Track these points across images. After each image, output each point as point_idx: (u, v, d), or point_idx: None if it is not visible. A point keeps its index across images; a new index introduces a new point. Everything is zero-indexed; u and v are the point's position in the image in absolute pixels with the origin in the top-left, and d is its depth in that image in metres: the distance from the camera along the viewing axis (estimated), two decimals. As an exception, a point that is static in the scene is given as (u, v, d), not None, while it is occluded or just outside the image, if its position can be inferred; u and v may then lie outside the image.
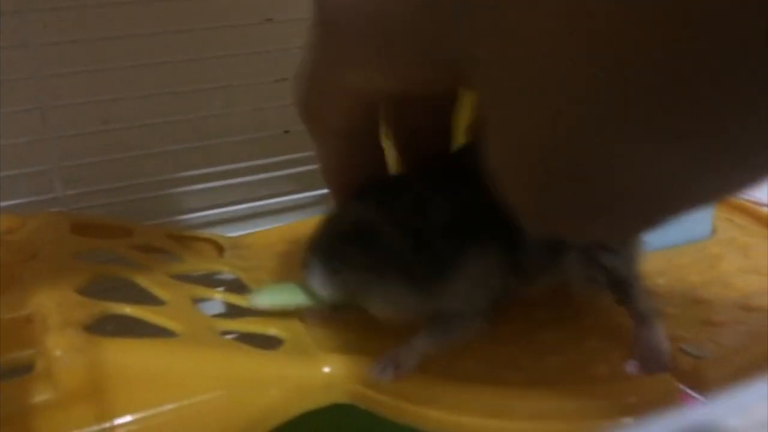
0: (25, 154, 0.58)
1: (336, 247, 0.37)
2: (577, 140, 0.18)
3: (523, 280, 0.38)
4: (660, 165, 0.17)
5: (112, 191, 0.60)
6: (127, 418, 0.33)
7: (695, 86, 0.15)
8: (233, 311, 0.47)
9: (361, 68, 0.27)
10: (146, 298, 0.43)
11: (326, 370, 0.38)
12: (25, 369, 0.34)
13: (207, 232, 0.60)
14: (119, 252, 0.49)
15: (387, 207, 0.35)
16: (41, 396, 0.32)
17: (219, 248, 0.59)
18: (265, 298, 0.42)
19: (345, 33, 0.26)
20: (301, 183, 0.68)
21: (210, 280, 0.50)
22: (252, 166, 0.65)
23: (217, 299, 0.47)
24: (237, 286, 0.50)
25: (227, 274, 0.52)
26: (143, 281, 0.44)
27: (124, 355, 0.35)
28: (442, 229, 0.35)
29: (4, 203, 0.58)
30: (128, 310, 0.40)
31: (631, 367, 0.38)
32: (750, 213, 0.58)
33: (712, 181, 0.18)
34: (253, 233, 0.61)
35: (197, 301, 0.44)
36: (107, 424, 0.33)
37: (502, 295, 0.38)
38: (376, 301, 0.38)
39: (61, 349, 0.33)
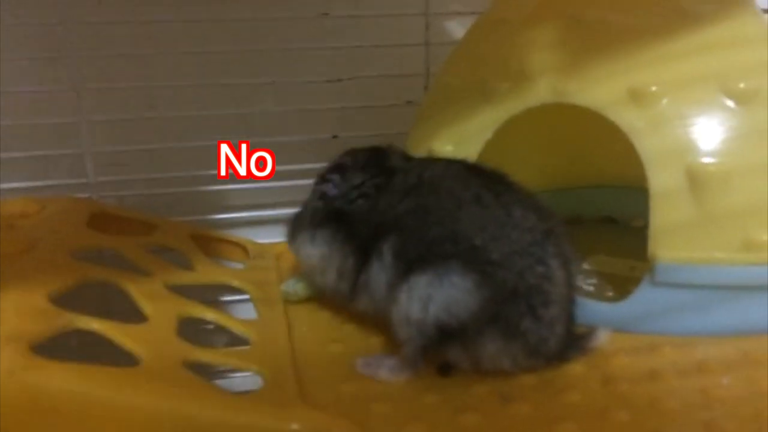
0: (60, 135, 0.56)
1: None
2: None
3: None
4: None
5: (146, 182, 0.57)
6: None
7: None
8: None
9: None
10: (131, 310, 0.40)
11: (294, 426, 0.33)
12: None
13: (236, 235, 0.57)
14: (126, 253, 0.46)
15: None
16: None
17: (245, 253, 0.56)
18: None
19: None
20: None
21: (215, 292, 0.46)
22: (294, 170, 0.61)
23: (209, 319, 0.43)
24: (240, 305, 0.46)
25: (236, 290, 0.48)
26: (134, 291, 0.41)
27: (67, 384, 0.31)
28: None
29: (37, 183, 0.56)
30: (96, 325, 0.36)
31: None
32: None
33: None
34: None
35: (185, 320, 0.41)
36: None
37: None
38: None
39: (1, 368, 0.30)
